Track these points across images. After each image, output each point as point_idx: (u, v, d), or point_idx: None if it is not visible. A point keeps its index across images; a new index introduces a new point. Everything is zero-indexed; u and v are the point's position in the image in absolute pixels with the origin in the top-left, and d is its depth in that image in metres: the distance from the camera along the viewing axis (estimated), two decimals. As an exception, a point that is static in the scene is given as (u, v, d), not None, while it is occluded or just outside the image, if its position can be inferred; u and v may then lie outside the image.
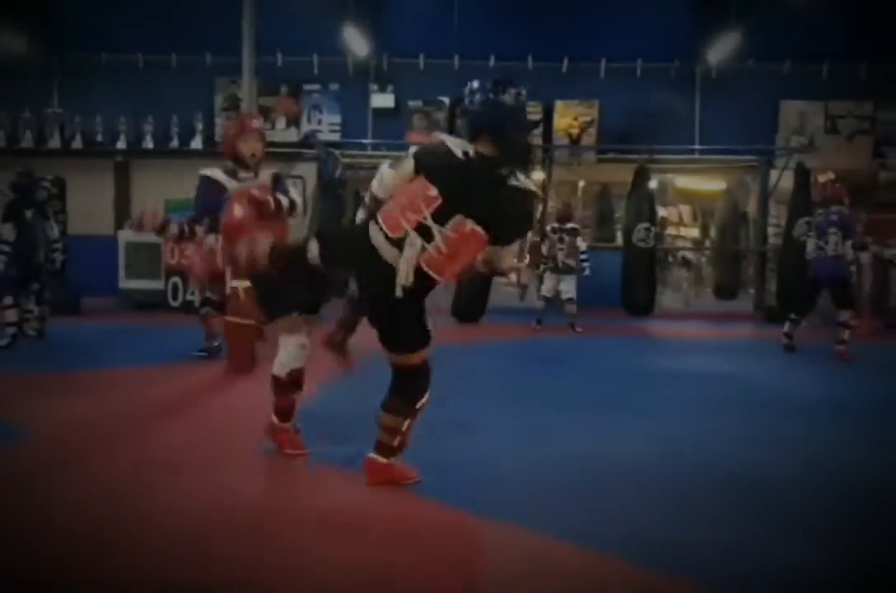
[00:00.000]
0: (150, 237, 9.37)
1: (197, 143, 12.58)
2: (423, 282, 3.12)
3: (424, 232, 3.07)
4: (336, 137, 12.71)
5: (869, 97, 12.47)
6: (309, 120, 12.91)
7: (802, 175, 11.02)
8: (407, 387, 3.32)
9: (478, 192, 3.08)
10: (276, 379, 3.98)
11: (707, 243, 14.93)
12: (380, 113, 12.62)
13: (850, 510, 3.32)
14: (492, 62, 12.51)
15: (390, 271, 3.10)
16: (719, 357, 7.90)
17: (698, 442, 4.40)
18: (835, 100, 12.50)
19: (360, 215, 3.85)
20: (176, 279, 10.77)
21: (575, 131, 12.59)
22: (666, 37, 11.95)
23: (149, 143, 12.60)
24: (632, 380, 6.45)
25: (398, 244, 3.09)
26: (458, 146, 3.14)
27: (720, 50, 11.49)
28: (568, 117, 12.62)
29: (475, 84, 3.24)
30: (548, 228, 9.96)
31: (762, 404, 5.53)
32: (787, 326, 8.10)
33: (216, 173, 4.44)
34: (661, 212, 14.46)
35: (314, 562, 2.73)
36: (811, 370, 7.32)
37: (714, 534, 3.00)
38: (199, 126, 12.55)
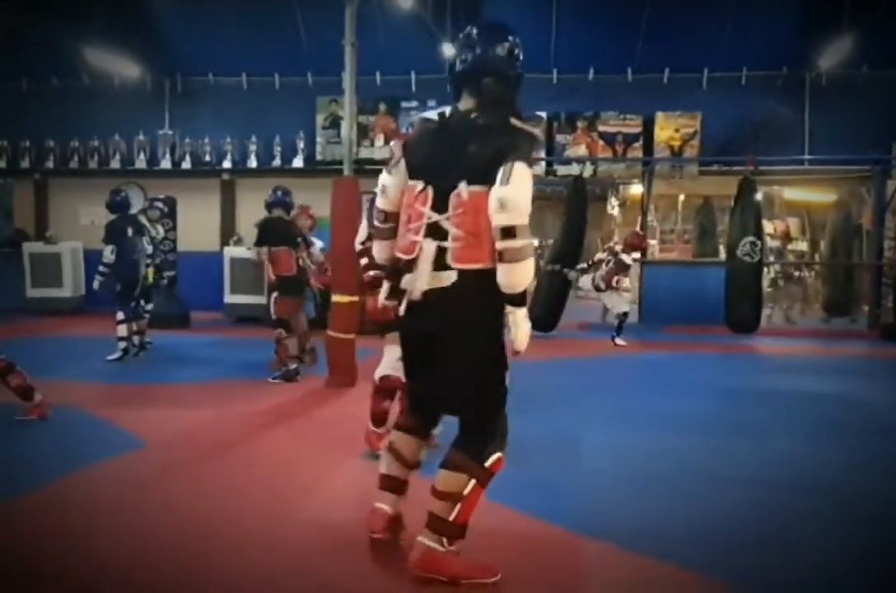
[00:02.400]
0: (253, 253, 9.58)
1: (298, 162, 12.89)
2: (478, 283, 2.58)
3: (435, 232, 2.65)
4: (433, 154, 12.79)
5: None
6: (407, 137, 13.05)
7: (922, 185, 10.47)
8: (479, 439, 2.68)
9: (457, 148, 2.64)
10: (373, 384, 4.32)
11: (816, 257, 14.34)
12: (477, 129, 12.68)
13: None
14: (591, 75, 12.39)
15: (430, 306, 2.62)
16: (831, 376, 7.53)
17: (806, 465, 4.19)
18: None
19: (361, 236, 3.99)
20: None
21: (676, 143, 12.31)
22: (772, 44, 11.56)
23: (252, 162, 12.98)
24: (737, 399, 6.21)
25: (415, 267, 2.65)
26: (436, 112, 2.81)
27: (832, 56, 11.04)
28: (669, 129, 12.37)
29: (463, 32, 2.85)
30: (606, 247, 10.30)
31: (878, 428, 5.23)
32: None
33: None
34: (768, 225, 13.99)
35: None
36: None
37: (816, 558, 2.84)
38: (301, 144, 12.86)
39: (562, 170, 12.86)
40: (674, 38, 11.50)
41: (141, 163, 13.14)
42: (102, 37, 11.04)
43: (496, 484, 3.64)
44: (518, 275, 2.52)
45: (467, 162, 2.60)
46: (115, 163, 13.15)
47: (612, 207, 16.99)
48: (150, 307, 8.35)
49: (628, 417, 5.45)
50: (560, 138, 12.63)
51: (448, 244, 2.59)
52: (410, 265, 2.65)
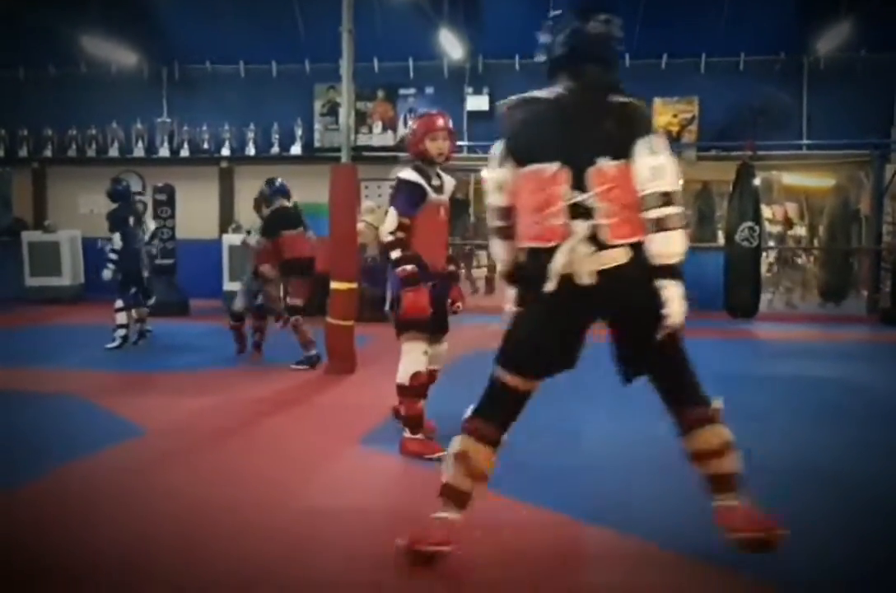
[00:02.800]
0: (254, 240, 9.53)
1: (297, 149, 12.86)
2: (642, 258, 2.51)
3: (581, 212, 2.53)
4: (432, 140, 12.76)
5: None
6: (405, 124, 13.01)
7: (920, 170, 10.45)
8: (694, 387, 2.68)
9: (591, 124, 2.59)
10: (401, 388, 4.06)
11: (815, 242, 14.33)
12: (475, 115, 12.61)
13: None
14: (588, 61, 12.34)
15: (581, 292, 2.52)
16: (832, 361, 7.55)
17: (808, 451, 4.21)
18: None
19: (390, 225, 3.89)
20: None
21: (674, 128, 12.28)
22: (770, 29, 11.50)
23: (251, 150, 12.96)
24: (737, 384, 6.22)
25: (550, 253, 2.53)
26: (544, 92, 2.72)
27: (830, 40, 11.00)
28: (667, 115, 12.34)
29: (555, 12, 2.81)
30: None
31: (880, 413, 5.25)
32: None
33: (415, 177, 4.10)
34: (767, 210, 13.96)
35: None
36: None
37: (816, 546, 2.86)
38: (299, 132, 12.83)
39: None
40: (671, 23, 11.45)
41: (139, 151, 13.12)
42: (99, 24, 11.00)
43: (496, 475, 3.68)
44: (676, 243, 2.51)
45: (604, 138, 2.55)
46: (113, 152, 13.13)
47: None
48: (151, 302, 8.33)
49: (626, 404, 5.46)
50: (558, 124, 12.60)
51: (602, 221, 2.51)
52: (553, 251, 2.53)
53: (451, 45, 11.82)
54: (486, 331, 3.98)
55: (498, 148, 2.74)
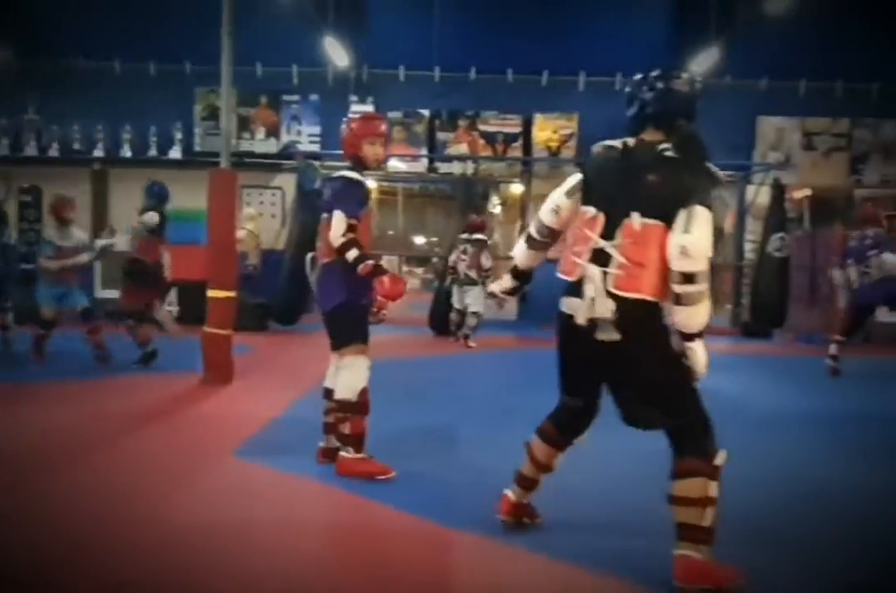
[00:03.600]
0: (122, 242, 9.22)
1: (175, 153, 12.50)
2: (637, 313, 2.62)
3: (600, 258, 2.68)
4: (315, 148, 12.68)
5: (845, 115, 12.63)
6: (288, 131, 12.87)
7: (778, 191, 11.14)
8: (698, 439, 2.69)
9: (636, 176, 2.68)
10: (347, 404, 3.83)
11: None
12: (360, 124, 12.59)
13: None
14: (472, 75, 12.56)
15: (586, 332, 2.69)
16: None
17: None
18: (811, 117, 12.65)
19: (340, 229, 3.68)
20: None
21: (554, 144, 12.64)
22: (645, 51, 11.99)
23: (126, 152, 12.50)
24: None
25: (579, 290, 2.70)
26: (618, 141, 2.83)
27: (699, 65, 11.59)
28: (547, 130, 12.68)
29: (653, 72, 2.88)
30: (461, 238, 9.80)
31: (740, 419, 5.54)
32: (833, 348, 7.75)
33: (360, 177, 3.95)
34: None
35: (284, 569, 2.68)
36: (790, 384, 7.35)
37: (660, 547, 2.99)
38: (178, 135, 12.48)
39: (443, 167, 12.98)
40: (552, 41, 11.82)
41: (3, 149, 12.43)
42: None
43: (372, 481, 3.66)
44: (695, 317, 2.64)
45: (644, 192, 2.66)
46: (-27, 149, 12.40)
47: (494, 206, 17.26)
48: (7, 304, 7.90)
49: (498, 411, 5.56)
50: (441, 136, 12.75)
51: (610, 270, 2.64)
52: (576, 288, 2.71)
53: (337, 53, 11.79)
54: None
55: (575, 179, 2.91)
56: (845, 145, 12.71)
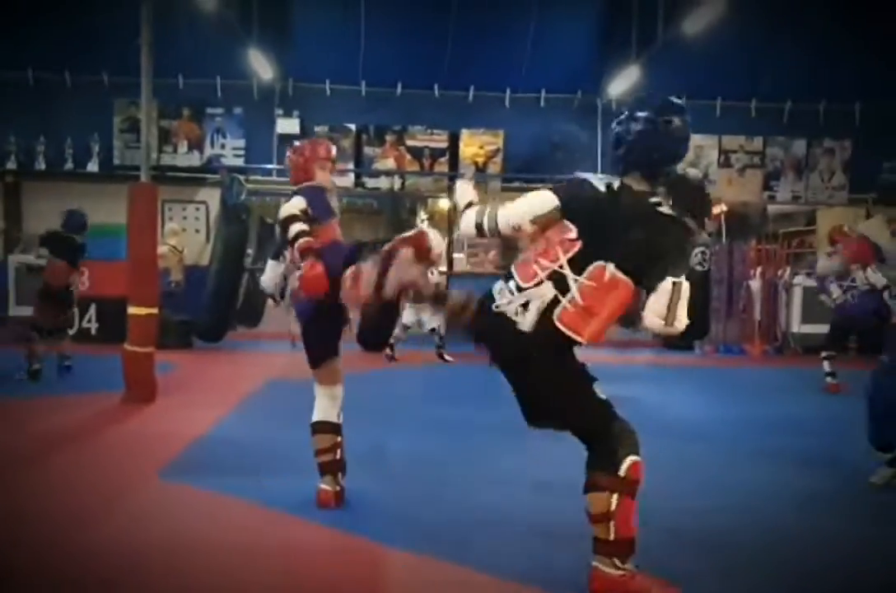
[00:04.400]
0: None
1: (94, 166, 12.15)
2: (558, 340, 2.64)
3: (560, 282, 2.63)
4: (240, 162, 12.49)
5: (758, 133, 13.10)
6: (212, 144, 12.66)
7: (698, 206, 11.42)
8: (602, 453, 2.69)
9: (620, 228, 2.60)
10: (337, 427, 3.70)
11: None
12: (285, 138, 12.47)
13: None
14: (399, 90, 12.59)
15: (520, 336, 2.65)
16: (623, 382, 8.03)
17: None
18: (727, 134, 13.07)
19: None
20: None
21: (480, 160, 12.74)
22: (569, 69, 12.27)
23: (41, 164, 12.10)
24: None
25: (527, 296, 2.65)
26: (601, 181, 2.70)
27: (620, 83, 11.88)
28: (474, 146, 12.79)
29: (634, 111, 2.69)
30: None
31: (666, 426, 5.65)
32: (826, 366, 7.64)
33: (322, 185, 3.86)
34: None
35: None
36: (711, 394, 7.53)
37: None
38: (96, 148, 12.14)
39: (370, 182, 12.96)
40: (478, 57, 11.94)
41: None
42: None
43: (298, 499, 3.60)
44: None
45: (627, 247, 2.59)
46: None
47: (422, 221, 17.29)
48: None
49: (426, 424, 5.55)
50: (368, 151, 12.73)
51: (564, 301, 2.60)
52: (524, 291, 2.65)
53: (261, 66, 11.68)
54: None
55: (547, 206, 2.69)
56: (759, 163, 13.17)
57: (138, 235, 6.48)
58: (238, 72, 11.90)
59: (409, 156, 12.72)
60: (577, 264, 2.62)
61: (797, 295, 11.32)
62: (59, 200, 11.74)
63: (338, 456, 3.66)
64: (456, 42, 11.85)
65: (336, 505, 3.58)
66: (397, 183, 12.84)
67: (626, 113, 2.70)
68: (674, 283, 2.56)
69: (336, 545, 3.17)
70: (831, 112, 12.83)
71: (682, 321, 2.59)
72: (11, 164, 12.06)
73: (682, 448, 4.96)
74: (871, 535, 3.45)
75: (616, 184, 2.67)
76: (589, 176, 2.74)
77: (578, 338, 2.61)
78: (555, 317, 2.60)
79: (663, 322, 2.57)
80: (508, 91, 12.70)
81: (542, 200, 2.71)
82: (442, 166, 12.78)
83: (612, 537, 2.59)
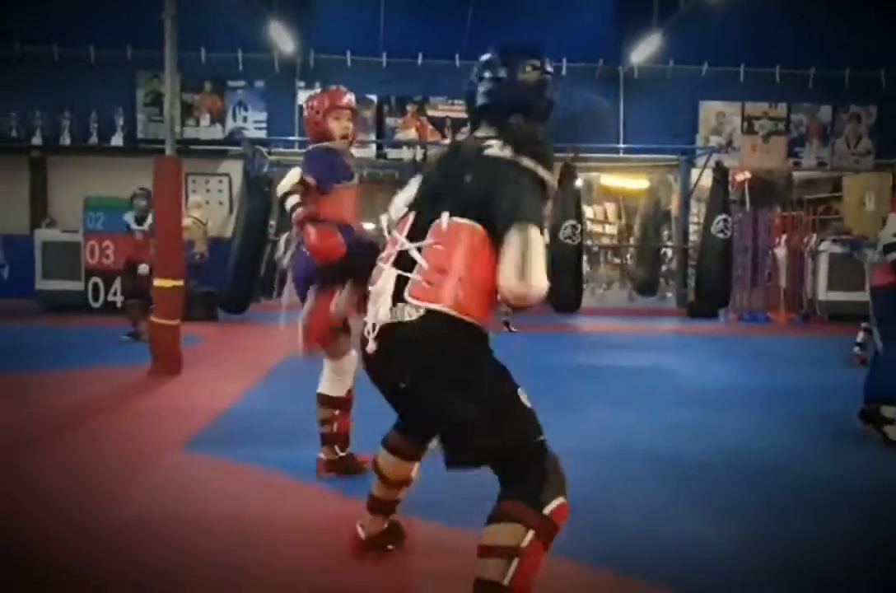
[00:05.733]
0: (69, 236, 9.19)
1: (118, 140, 12.25)
2: (434, 327, 2.13)
3: (405, 262, 2.23)
4: (262, 134, 12.54)
5: (783, 99, 12.91)
6: (234, 117, 12.70)
7: (721, 174, 11.35)
8: (526, 483, 2.11)
9: (453, 177, 2.27)
10: (336, 400, 3.61)
11: (631, 240, 15.25)
12: (307, 110, 12.48)
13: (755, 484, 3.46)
14: (420, 60, 12.52)
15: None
16: (646, 351, 8.08)
17: (623, 432, 4.51)
18: (751, 101, 12.90)
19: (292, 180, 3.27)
20: (97, 279, 10.50)
21: (502, 130, 12.69)
22: (590, 37, 12.15)
23: (66, 139, 12.21)
24: (560, 374, 6.55)
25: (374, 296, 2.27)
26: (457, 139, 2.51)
27: (642, 51, 11.73)
28: (495, 116, 12.72)
29: (484, 57, 2.44)
30: None
31: (686, 395, 5.69)
32: (861, 336, 7.07)
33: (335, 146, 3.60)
34: (588, 210, 14.71)
35: (248, 567, 2.71)
36: (734, 362, 7.55)
37: (641, 525, 3.08)
38: (120, 122, 12.22)
39: (392, 153, 12.95)
40: (499, 27, 11.82)
41: (-66, 136, 12.06)
42: None
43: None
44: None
45: (458, 192, 2.22)
46: None
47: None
48: None
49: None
50: (390, 121, 12.72)
51: (411, 275, 2.18)
52: (375, 297, 2.25)
53: (282, 38, 11.66)
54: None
55: (414, 185, 2.45)
56: (783, 129, 12.99)
57: (164, 208, 6.56)
58: (259, 44, 11.91)
59: (430, 127, 12.69)
60: (417, 236, 2.25)
61: (823, 262, 11.21)
62: (84, 175, 11.94)
63: (335, 429, 3.61)
64: (476, 11, 11.75)
65: (331, 474, 3.63)
66: (419, 153, 12.82)
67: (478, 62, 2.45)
68: (519, 232, 2.08)
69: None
70: (856, 78, 12.62)
71: (537, 280, 2.06)
72: (37, 140, 12.18)
73: (700, 415, 5.00)
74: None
75: (465, 137, 2.44)
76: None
77: (439, 307, 2.11)
78: (407, 297, 2.15)
79: (515, 281, 2.04)
80: (529, 59, 12.58)
81: (413, 181, 2.48)
82: (464, 136, 12.74)
83: (507, 580, 2.01)
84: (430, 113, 12.69)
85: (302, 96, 12.53)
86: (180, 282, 6.51)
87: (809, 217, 12.71)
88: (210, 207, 12.00)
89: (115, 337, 7.75)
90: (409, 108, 12.72)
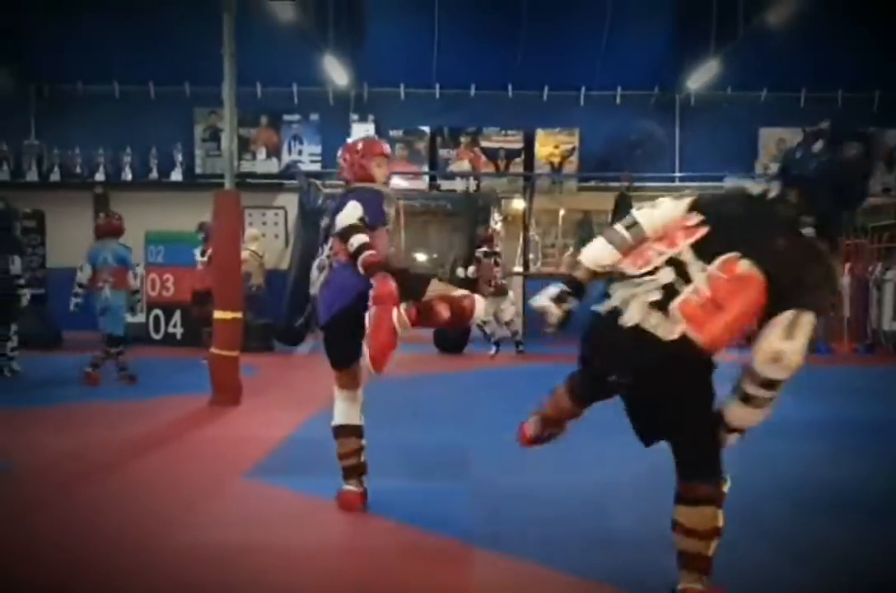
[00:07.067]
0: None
1: (177, 175, 12.52)
2: (681, 344, 2.27)
3: (678, 268, 2.31)
4: (317, 167, 12.69)
5: (846, 124, 12.63)
6: (290, 150, 12.90)
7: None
8: (705, 463, 2.43)
9: (762, 232, 2.32)
10: (359, 429, 3.68)
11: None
12: (361, 143, 12.61)
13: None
14: (472, 91, 12.59)
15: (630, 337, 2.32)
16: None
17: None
18: (812, 126, 12.64)
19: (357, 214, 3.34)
20: (157, 311, 10.67)
21: (556, 159, 12.65)
22: (645, 65, 12.08)
23: (128, 175, 12.52)
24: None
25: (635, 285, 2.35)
26: (754, 188, 2.52)
27: (699, 78, 11.63)
28: (549, 146, 12.70)
29: (810, 139, 2.53)
30: (479, 253, 10.21)
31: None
32: None
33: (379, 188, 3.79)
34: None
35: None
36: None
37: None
38: (179, 157, 12.50)
39: (445, 184, 12.99)
40: (551, 56, 11.86)
41: (4, 174, 12.44)
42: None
43: (382, 498, 3.61)
44: (752, 418, 2.38)
45: (767, 251, 2.28)
46: (-25, 175, 12.42)
47: (496, 222, 17.26)
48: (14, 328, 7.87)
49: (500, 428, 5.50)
50: (443, 153, 12.78)
51: (684, 290, 2.27)
52: (630, 277, 2.36)
53: (336, 72, 11.83)
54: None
55: (683, 203, 2.52)
56: (846, 154, 12.70)
57: (223, 241, 6.62)
58: (314, 78, 12.10)
59: (483, 158, 12.71)
60: (703, 253, 2.30)
61: (889, 291, 10.86)
62: (144, 209, 12.19)
63: (361, 459, 3.64)
64: (528, 41, 11.79)
65: (361, 507, 3.58)
66: (472, 184, 12.84)
67: (806, 142, 2.56)
68: (798, 314, 2.23)
69: (418, 544, 3.16)
70: (923, 101, 12.32)
71: (796, 359, 2.23)
72: (100, 176, 12.51)
73: (764, 446, 4.81)
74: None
75: (775, 192, 2.46)
76: (745, 188, 2.55)
77: (696, 335, 2.24)
78: (674, 308, 2.25)
79: (773, 355, 2.23)
80: (583, 89, 12.57)
81: (676, 207, 2.52)
82: (517, 167, 12.73)
83: (711, 553, 2.39)
84: (484, 143, 12.72)
85: (356, 129, 12.70)
86: (239, 314, 6.55)
87: (874, 245, 12.35)
88: (266, 240, 12.14)
89: (175, 366, 7.81)
90: (462, 139, 12.79)
